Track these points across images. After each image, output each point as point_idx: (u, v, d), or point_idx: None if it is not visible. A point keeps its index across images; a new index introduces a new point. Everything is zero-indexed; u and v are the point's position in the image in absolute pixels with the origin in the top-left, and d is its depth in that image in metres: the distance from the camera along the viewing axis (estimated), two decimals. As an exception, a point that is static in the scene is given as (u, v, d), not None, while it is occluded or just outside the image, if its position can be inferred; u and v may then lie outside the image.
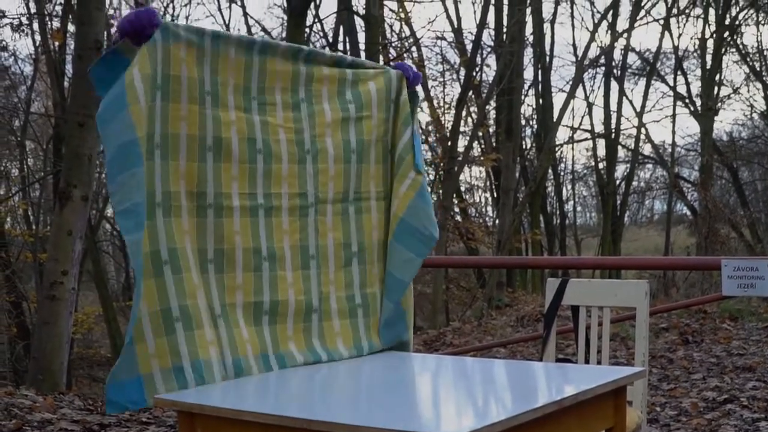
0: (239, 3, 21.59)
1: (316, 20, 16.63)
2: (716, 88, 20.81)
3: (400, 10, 17.46)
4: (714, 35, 20.15)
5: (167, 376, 2.17)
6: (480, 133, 19.24)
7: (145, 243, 2.19)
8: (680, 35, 31.33)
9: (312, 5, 14.13)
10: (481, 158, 19.68)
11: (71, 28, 12.52)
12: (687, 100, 21.91)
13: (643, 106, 21.37)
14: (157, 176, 2.23)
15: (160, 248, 2.23)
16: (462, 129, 17.87)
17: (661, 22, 20.39)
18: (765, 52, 20.85)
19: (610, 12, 19.67)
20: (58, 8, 14.17)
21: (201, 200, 2.33)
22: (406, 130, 2.80)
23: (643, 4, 19.23)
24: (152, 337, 2.17)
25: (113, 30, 2.30)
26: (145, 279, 2.18)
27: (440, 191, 17.31)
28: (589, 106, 22.40)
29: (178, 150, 2.28)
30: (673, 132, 30.06)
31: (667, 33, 21.01)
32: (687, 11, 20.69)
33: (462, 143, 17.55)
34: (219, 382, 2.23)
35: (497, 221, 18.38)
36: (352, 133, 2.68)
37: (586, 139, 23.59)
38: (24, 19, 13.53)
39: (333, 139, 2.63)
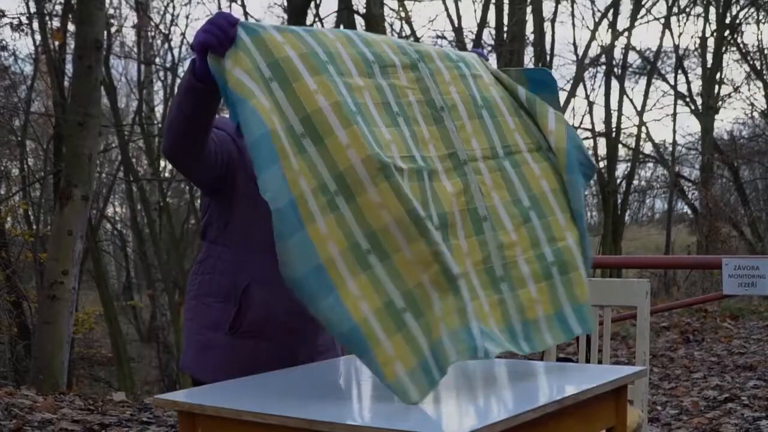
0: (239, 2, 21.54)
1: (317, 19, 16.62)
2: (717, 87, 20.81)
3: (401, 8, 17.46)
4: (714, 34, 20.15)
5: (415, 377, 1.92)
6: (481, 132, 19.22)
7: (338, 239, 1.95)
8: (681, 34, 31.38)
9: (312, 4, 14.13)
10: (482, 157, 19.67)
11: (71, 27, 12.52)
12: (687, 99, 21.91)
13: (643, 105, 21.38)
14: (319, 165, 1.98)
15: (357, 239, 1.96)
16: (463, 128, 17.84)
17: (662, 20, 20.38)
18: (765, 51, 20.86)
19: (611, 11, 19.65)
20: (58, 7, 14.17)
21: (371, 166, 2.01)
22: (518, 87, 2.56)
23: (643, 3, 19.23)
24: (386, 338, 1.92)
25: (187, 52, 2.19)
26: (354, 277, 1.94)
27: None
28: (590, 104, 22.38)
29: (329, 124, 2.01)
30: (674, 131, 29.98)
31: (667, 32, 21.01)
32: (687, 10, 20.69)
33: (463, 142, 17.53)
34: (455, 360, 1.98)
35: (498, 220, 18.35)
36: (474, 89, 2.45)
37: (586, 138, 23.54)
38: (24, 19, 13.52)
39: (460, 95, 2.39)
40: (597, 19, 19.88)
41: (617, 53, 20.88)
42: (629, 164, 23.17)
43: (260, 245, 2.42)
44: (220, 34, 2.06)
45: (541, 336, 2.24)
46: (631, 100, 22.35)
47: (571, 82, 18.43)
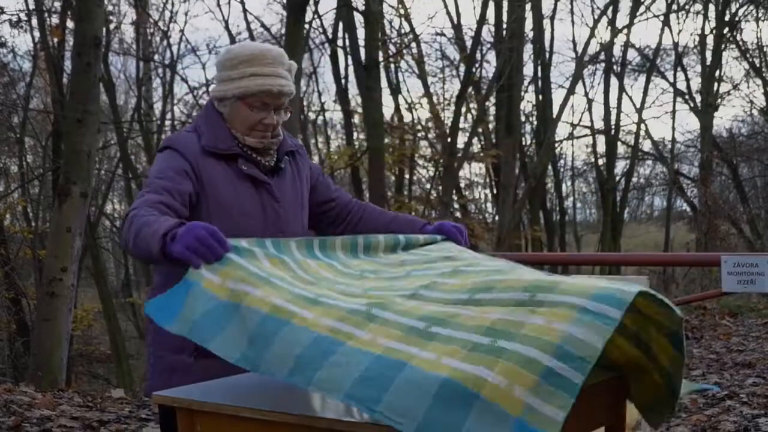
0: (238, -1, 21.56)
1: (316, 16, 16.62)
2: (716, 85, 20.83)
3: (400, 6, 17.45)
4: (714, 31, 20.15)
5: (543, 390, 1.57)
6: (480, 130, 19.23)
7: (389, 333, 1.76)
8: (680, 31, 31.46)
9: (311, 1, 14.11)
10: (481, 154, 19.69)
11: (70, 24, 12.51)
12: (687, 97, 21.93)
13: (642, 103, 21.40)
14: (339, 301, 1.91)
15: (412, 324, 1.78)
16: (462, 125, 17.89)
17: (661, 18, 20.39)
18: (765, 49, 20.87)
19: (610, 8, 19.68)
20: (57, 4, 14.18)
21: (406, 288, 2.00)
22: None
23: (642, 0, 19.24)
24: (487, 370, 1.57)
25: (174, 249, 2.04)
26: (423, 348, 1.67)
27: (440, 187, 17.31)
28: (589, 102, 22.43)
29: (337, 289, 2.02)
30: (673, 128, 30.05)
31: (666, 29, 21.09)
32: (687, 7, 20.70)
33: (462, 139, 17.57)
34: None
35: (497, 217, 18.40)
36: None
37: (585, 136, 23.61)
38: (23, 16, 13.49)
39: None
40: (596, 17, 19.93)
41: (616, 50, 20.94)
42: (628, 162, 23.20)
43: None
44: (209, 256, 2.01)
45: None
46: (630, 98, 22.47)
47: (571, 79, 18.45)
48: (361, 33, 14.68)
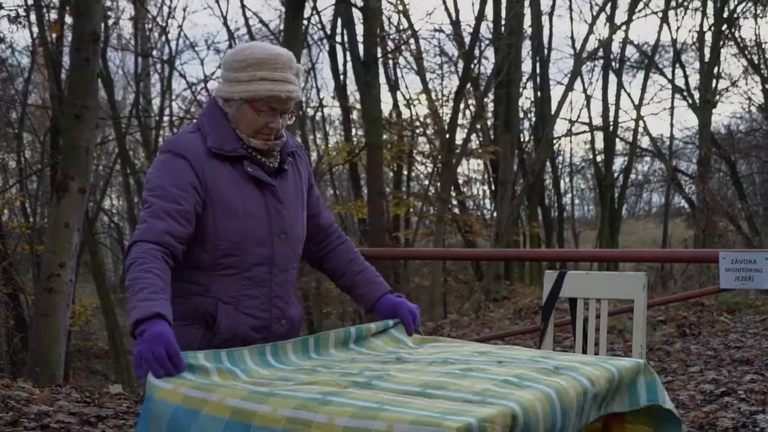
0: (237, -5, 21.50)
1: (314, 12, 16.62)
2: (714, 81, 20.84)
3: (398, 2, 17.44)
4: (712, 28, 20.15)
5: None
6: (478, 126, 19.23)
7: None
8: (678, 28, 31.45)
9: (310, -3, 14.10)
10: (479, 151, 19.70)
11: (69, 20, 12.49)
12: (685, 93, 21.94)
13: (641, 99, 21.40)
14: (298, 392, 1.97)
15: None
16: (460, 121, 17.90)
17: (660, 14, 20.39)
18: (763, 45, 20.89)
19: (609, 4, 19.66)
20: (56, 0, 14.14)
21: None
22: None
23: (641, -3, 19.25)
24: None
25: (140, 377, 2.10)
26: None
27: (438, 184, 17.31)
28: (588, 98, 22.42)
29: (289, 386, 2.06)
30: (671, 125, 29.95)
31: (665, 26, 21.03)
32: (685, 4, 20.71)
33: (460, 136, 17.58)
34: None
35: (495, 214, 18.39)
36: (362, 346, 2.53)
37: (584, 132, 23.62)
38: (21, 11, 13.45)
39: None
40: (595, 13, 19.92)
41: (615, 47, 20.94)
42: (626, 158, 23.21)
43: (225, 266, 2.45)
44: (158, 374, 2.04)
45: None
46: (628, 94, 22.57)
47: (569, 76, 18.44)
48: (359, 29, 14.70)
